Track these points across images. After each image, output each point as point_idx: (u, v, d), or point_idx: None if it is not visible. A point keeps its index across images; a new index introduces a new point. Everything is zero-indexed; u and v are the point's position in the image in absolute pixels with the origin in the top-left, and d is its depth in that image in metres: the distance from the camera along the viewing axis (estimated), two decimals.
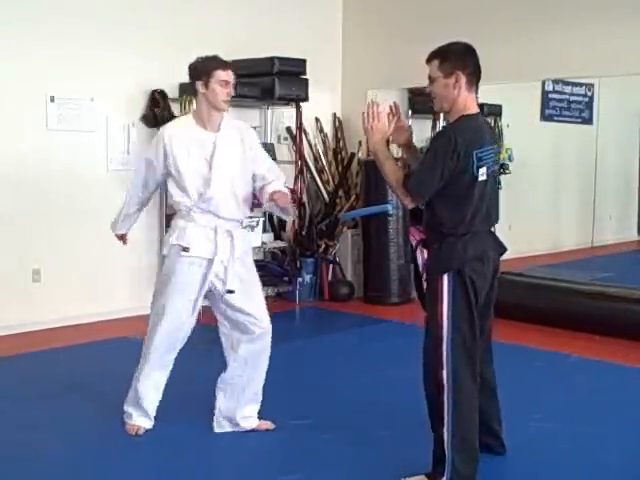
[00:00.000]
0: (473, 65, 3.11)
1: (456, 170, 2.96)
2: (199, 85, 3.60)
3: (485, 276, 3.09)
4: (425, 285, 3.17)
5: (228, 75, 3.69)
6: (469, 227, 3.03)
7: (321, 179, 7.49)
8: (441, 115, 7.64)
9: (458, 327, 2.99)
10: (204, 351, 4.59)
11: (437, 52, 3.12)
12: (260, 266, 7.02)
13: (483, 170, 3.00)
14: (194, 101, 6.03)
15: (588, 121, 10.67)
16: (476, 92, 3.13)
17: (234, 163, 3.61)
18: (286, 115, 7.20)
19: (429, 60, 3.12)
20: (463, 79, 3.05)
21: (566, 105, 10.25)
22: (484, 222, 3.11)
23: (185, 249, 3.54)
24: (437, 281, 3.01)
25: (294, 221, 7.10)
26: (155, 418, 3.81)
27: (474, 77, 3.11)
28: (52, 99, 5.80)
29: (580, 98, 10.45)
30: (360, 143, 7.25)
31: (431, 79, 3.11)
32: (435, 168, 2.95)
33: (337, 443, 3.61)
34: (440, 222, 3.05)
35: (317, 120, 7.49)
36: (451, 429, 2.98)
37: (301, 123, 7.01)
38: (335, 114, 7.70)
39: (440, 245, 3.05)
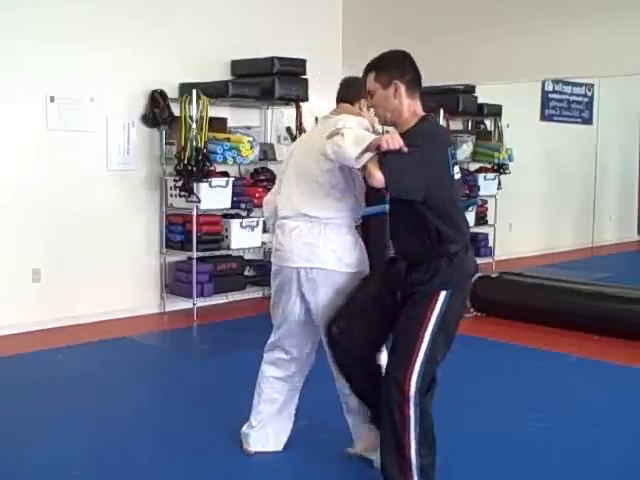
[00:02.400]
0: (411, 71, 3.01)
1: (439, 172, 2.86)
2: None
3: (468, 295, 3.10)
4: (399, 298, 3.04)
5: None
6: (463, 238, 2.98)
7: None
8: (441, 115, 7.69)
9: (438, 343, 2.90)
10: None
11: (372, 64, 3.04)
12: (260, 266, 7.06)
13: (457, 168, 2.97)
14: (194, 101, 6.07)
15: (588, 121, 10.65)
16: (420, 97, 3.01)
17: None
18: (286, 115, 7.21)
19: (365, 73, 3.04)
20: (402, 87, 2.95)
21: (566, 105, 10.24)
22: (468, 234, 3.06)
23: None
24: (432, 295, 2.90)
25: None
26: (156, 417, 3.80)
27: (414, 83, 2.99)
28: (52, 99, 5.80)
29: (580, 98, 10.44)
30: None
31: (370, 93, 3.03)
32: (417, 163, 2.82)
33: (335, 442, 3.62)
34: (439, 237, 2.90)
35: (317, 120, 7.48)
36: (417, 438, 2.87)
37: (301, 123, 7.01)
38: None
39: (440, 261, 2.91)
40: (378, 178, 2.72)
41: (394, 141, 2.72)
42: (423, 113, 3.02)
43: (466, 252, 2.98)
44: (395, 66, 3.01)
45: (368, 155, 2.79)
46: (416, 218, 2.90)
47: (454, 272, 2.92)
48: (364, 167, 2.80)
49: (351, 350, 3.15)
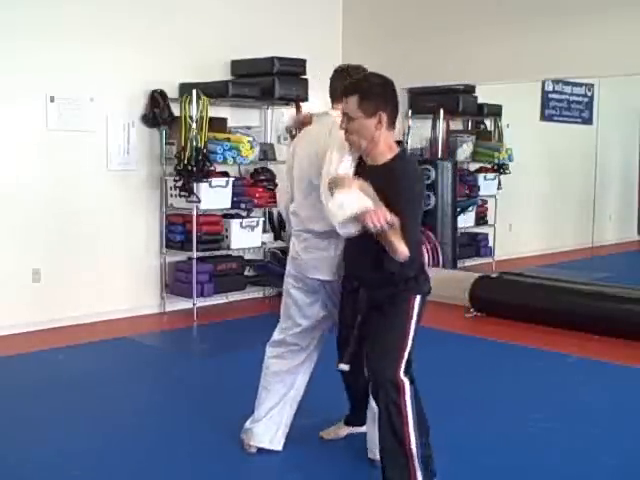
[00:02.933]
0: (393, 101, 2.93)
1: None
2: None
3: None
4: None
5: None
6: (420, 259, 3.06)
7: None
8: (441, 115, 7.69)
9: (415, 335, 3.02)
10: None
11: (356, 87, 2.89)
12: (260, 266, 7.06)
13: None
14: (194, 101, 6.07)
15: (588, 121, 10.64)
16: (394, 128, 2.98)
17: None
18: (286, 115, 7.20)
19: (347, 94, 2.89)
20: (385, 118, 2.88)
21: (566, 105, 10.23)
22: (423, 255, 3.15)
23: None
24: (409, 299, 3.00)
25: None
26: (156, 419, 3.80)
27: (394, 115, 2.94)
28: (52, 99, 5.80)
29: (580, 98, 10.43)
30: None
31: (348, 117, 2.89)
32: (419, 214, 2.92)
33: (337, 441, 3.62)
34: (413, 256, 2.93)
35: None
36: (415, 428, 2.93)
37: None
38: None
39: (416, 274, 3.01)
40: (404, 254, 2.74)
41: (380, 218, 2.65)
42: (396, 147, 2.97)
43: (422, 272, 3.06)
44: (381, 95, 2.91)
45: (354, 227, 2.74)
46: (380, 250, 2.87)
47: (422, 283, 3.04)
48: (381, 237, 2.72)
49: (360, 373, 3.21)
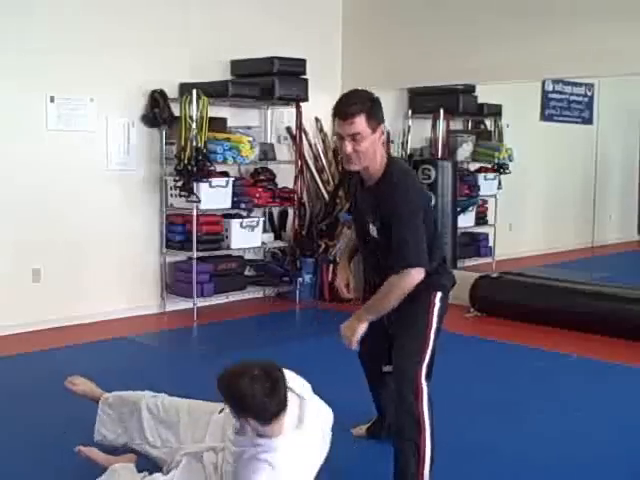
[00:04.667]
0: (382, 114, 2.95)
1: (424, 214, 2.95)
2: None
3: None
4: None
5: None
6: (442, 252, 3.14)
7: (321, 179, 7.49)
8: (441, 115, 7.70)
9: (437, 336, 3.05)
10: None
11: (361, 106, 2.84)
12: (260, 266, 7.06)
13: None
14: (194, 101, 6.08)
15: (588, 121, 10.65)
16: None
17: None
18: (286, 115, 7.21)
19: (353, 115, 2.81)
20: (383, 129, 2.92)
21: (566, 105, 10.24)
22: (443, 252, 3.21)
23: None
24: (430, 297, 3.03)
25: (294, 221, 7.11)
26: None
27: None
28: (52, 99, 5.80)
29: (580, 98, 10.44)
30: None
31: (356, 137, 2.83)
32: (419, 228, 2.87)
33: (336, 445, 3.62)
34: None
35: (317, 120, 7.49)
36: (431, 432, 2.98)
37: (301, 123, 7.02)
38: None
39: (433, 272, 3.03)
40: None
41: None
42: (385, 156, 2.97)
43: (442, 266, 3.12)
44: (379, 108, 2.92)
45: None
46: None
47: (443, 278, 3.10)
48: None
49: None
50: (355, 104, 2.85)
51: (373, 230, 2.99)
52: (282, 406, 2.53)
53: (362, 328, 2.99)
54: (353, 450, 3.56)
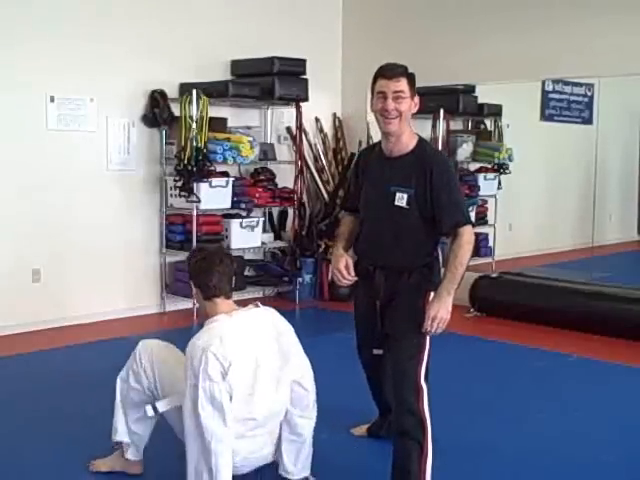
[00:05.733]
0: None
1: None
2: None
3: None
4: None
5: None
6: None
7: (321, 179, 7.49)
8: (441, 115, 7.69)
9: (431, 342, 3.07)
10: None
11: (404, 70, 3.02)
12: (260, 266, 7.06)
13: None
14: (194, 101, 6.08)
15: (588, 121, 10.64)
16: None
17: None
18: (286, 115, 7.21)
19: (399, 75, 2.99)
20: (418, 101, 3.06)
21: (566, 105, 10.23)
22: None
23: None
24: (424, 295, 3.04)
25: (294, 221, 7.12)
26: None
27: None
28: (52, 99, 5.80)
29: (580, 98, 10.43)
30: (360, 143, 7.25)
31: (401, 95, 2.97)
32: (462, 193, 3.11)
33: (334, 444, 3.62)
34: (429, 246, 3.12)
35: (317, 120, 7.49)
36: (430, 436, 2.99)
37: (301, 123, 7.01)
38: (335, 114, 7.70)
39: (430, 264, 3.10)
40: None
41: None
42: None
43: (437, 263, 3.17)
44: (415, 83, 3.05)
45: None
46: (415, 233, 3.05)
47: (437, 275, 3.11)
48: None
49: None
50: (400, 67, 3.03)
51: (401, 198, 3.02)
52: (220, 289, 2.90)
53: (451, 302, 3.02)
54: (353, 450, 3.57)
